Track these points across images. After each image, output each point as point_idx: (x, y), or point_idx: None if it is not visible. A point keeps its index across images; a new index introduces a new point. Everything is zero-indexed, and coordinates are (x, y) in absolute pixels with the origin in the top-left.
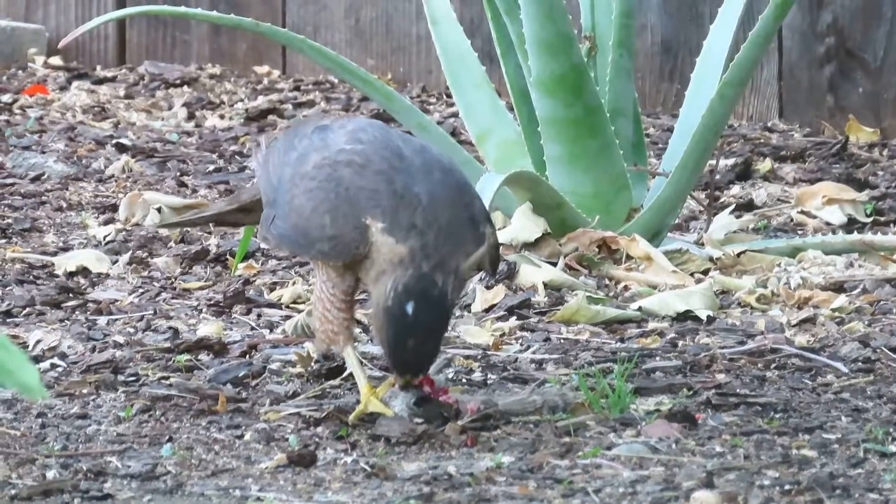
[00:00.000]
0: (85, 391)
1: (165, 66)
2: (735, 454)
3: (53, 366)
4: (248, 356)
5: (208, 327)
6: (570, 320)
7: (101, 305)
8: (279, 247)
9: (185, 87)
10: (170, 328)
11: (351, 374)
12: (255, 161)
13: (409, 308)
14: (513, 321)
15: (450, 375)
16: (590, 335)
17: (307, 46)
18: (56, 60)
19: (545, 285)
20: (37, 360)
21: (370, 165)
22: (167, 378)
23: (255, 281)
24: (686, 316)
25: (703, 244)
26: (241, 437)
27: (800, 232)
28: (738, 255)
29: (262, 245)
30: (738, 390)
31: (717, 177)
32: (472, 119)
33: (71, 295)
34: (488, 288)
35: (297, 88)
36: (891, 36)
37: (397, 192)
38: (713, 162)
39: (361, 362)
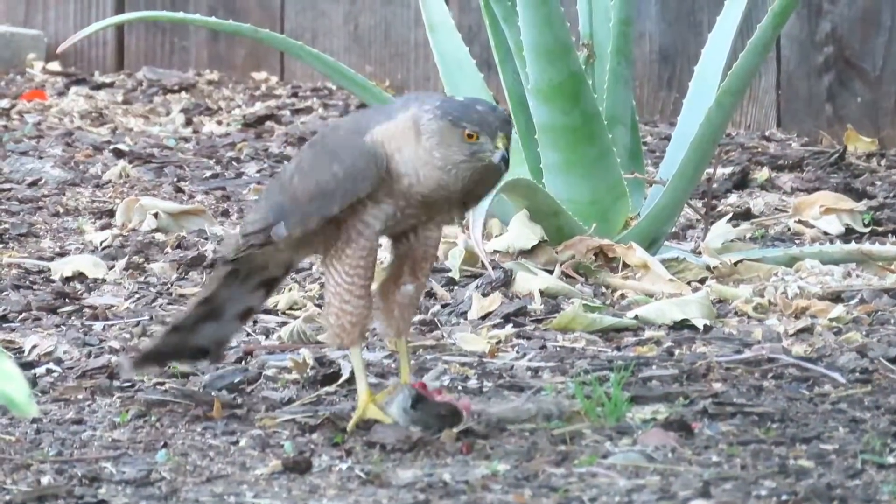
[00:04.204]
0: (80, 396)
1: (163, 72)
2: (732, 464)
3: (49, 371)
4: (243, 362)
5: None
6: (567, 328)
7: (97, 311)
8: (306, 226)
9: (183, 93)
10: None
11: (346, 381)
12: (221, 252)
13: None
14: (509, 329)
15: (445, 382)
16: (586, 343)
17: (305, 53)
18: (54, 66)
19: (541, 293)
20: (32, 365)
21: (341, 124)
22: (162, 384)
23: None
24: (683, 325)
25: (700, 253)
26: (236, 443)
27: (797, 241)
28: (735, 264)
29: (282, 247)
30: (734, 399)
31: (715, 185)
32: None
33: (67, 300)
34: (485, 295)
35: (294, 95)
36: (889, 45)
37: (383, 110)
38: (710, 170)
39: (369, 366)
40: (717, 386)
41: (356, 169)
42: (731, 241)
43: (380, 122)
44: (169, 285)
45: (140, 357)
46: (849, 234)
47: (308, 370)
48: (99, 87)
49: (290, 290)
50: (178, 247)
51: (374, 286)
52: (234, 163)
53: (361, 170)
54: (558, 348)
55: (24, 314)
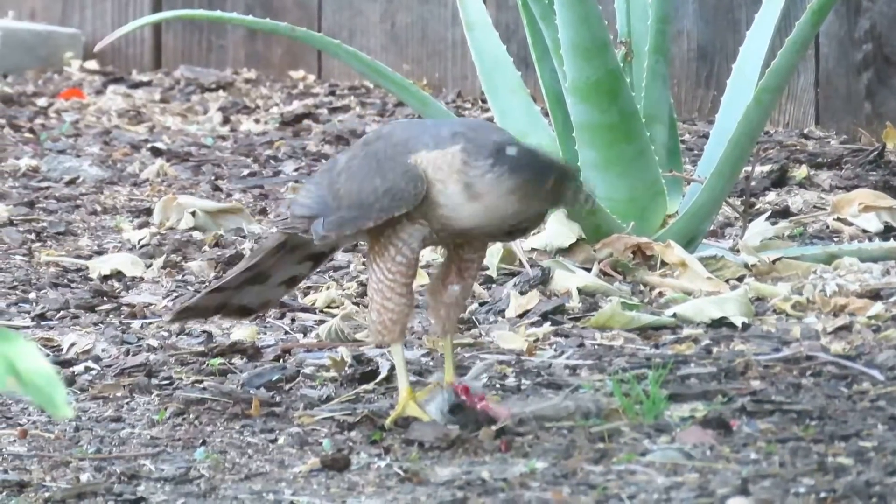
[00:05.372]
0: (119, 394)
1: (201, 71)
2: (770, 461)
3: (87, 369)
4: (281, 360)
5: (242, 331)
6: (605, 326)
7: (135, 309)
8: (340, 231)
9: (221, 92)
10: (203, 332)
11: (385, 380)
12: (274, 220)
13: (510, 151)
14: (547, 327)
15: (484, 380)
16: (624, 341)
17: (342, 51)
18: (92, 64)
19: (579, 291)
20: (70, 363)
21: (395, 132)
22: (201, 382)
23: None
24: (721, 322)
25: (738, 251)
26: (274, 440)
27: (836, 239)
28: (774, 261)
29: (320, 244)
30: (773, 397)
31: (753, 183)
32: (507, 124)
33: (105, 298)
34: (522, 293)
35: (332, 93)
36: None
37: (433, 131)
38: (749, 168)
39: (407, 364)
40: (756, 384)
41: (395, 189)
42: (770, 238)
43: (427, 145)
44: (206, 284)
45: (182, 309)
46: (888, 232)
47: (346, 368)
48: (136, 85)
49: (328, 287)
50: (216, 245)
51: (427, 283)
52: (271, 161)
53: (400, 190)
54: (596, 346)
55: (62, 312)
